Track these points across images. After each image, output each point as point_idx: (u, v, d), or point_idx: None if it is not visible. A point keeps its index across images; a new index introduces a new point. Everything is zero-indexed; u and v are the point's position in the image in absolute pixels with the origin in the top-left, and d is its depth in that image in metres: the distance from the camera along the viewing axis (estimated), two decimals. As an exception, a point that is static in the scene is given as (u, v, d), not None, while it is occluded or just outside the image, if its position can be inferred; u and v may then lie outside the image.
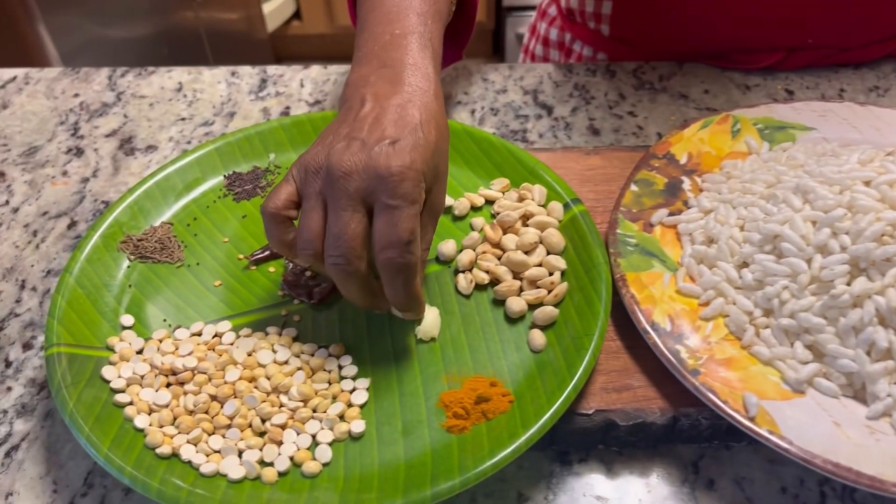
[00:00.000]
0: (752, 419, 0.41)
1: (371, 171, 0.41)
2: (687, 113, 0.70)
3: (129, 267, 0.53)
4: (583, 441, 0.46)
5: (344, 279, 0.43)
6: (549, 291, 0.50)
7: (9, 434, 0.49)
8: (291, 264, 0.52)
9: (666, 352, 0.45)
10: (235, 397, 0.45)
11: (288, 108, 0.72)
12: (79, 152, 0.69)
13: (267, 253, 0.53)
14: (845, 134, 0.58)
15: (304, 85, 0.75)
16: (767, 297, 0.46)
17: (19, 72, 0.78)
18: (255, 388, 0.45)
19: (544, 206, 0.55)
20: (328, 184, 0.42)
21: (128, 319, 0.50)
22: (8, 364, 0.53)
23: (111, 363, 0.47)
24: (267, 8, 2.29)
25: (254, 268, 0.53)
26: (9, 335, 0.54)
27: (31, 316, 0.56)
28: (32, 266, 0.59)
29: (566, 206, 0.54)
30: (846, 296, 0.43)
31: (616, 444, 0.46)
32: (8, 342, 0.54)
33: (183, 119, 0.72)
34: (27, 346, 0.54)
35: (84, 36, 1.34)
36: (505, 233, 0.53)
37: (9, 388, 0.51)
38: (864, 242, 0.44)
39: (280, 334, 0.49)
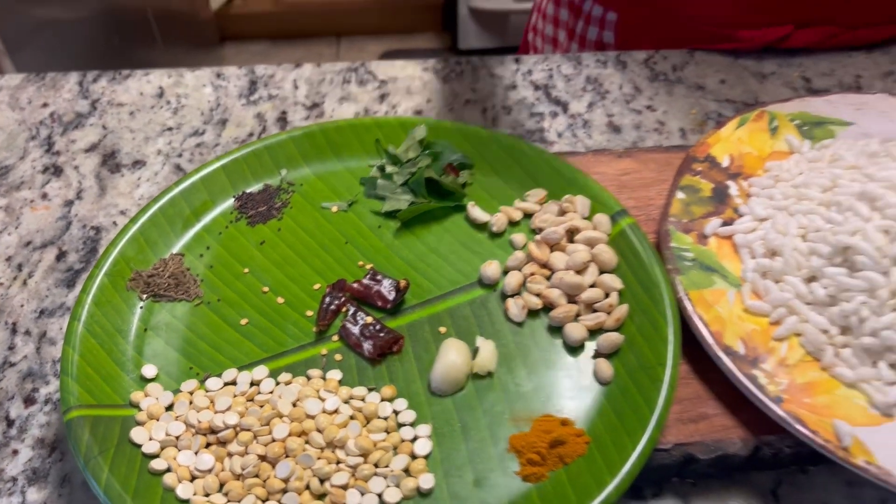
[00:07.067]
0: (846, 450, 0.39)
1: None
2: (706, 105, 0.67)
3: (142, 308, 0.48)
4: (657, 475, 0.43)
5: None
6: (609, 314, 0.46)
7: (22, 506, 0.44)
8: (353, 309, 0.47)
9: (744, 379, 0.42)
10: (287, 456, 0.40)
11: (284, 112, 0.67)
12: (57, 171, 0.62)
13: (333, 307, 0.48)
14: (885, 126, 0.56)
15: (298, 86, 0.70)
16: (845, 315, 0.43)
17: (-24, 80, 0.70)
18: (308, 443, 0.41)
19: (589, 218, 0.51)
20: None
21: (150, 370, 0.45)
22: (10, 423, 0.47)
23: (139, 423, 0.42)
24: (208, -15, 2.18)
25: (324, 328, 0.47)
26: (6, 389, 0.49)
27: (29, 365, 0.50)
28: (22, 306, 0.53)
29: (613, 219, 0.50)
30: (931, 312, 0.41)
31: (692, 476, 0.44)
32: (6, 397, 0.48)
33: (170, 129, 0.66)
34: (29, 401, 0.48)
35: (27, 19, 1.23)
36: (552, 251, 0.50)
37: (15, 452, 0.46)
38: (945, 255, 0.42)
39: (324, 378, 0.45)
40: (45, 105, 0.68)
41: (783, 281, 0.46)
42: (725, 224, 0.50)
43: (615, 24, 0.79)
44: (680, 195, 0.52)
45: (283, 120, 0.66)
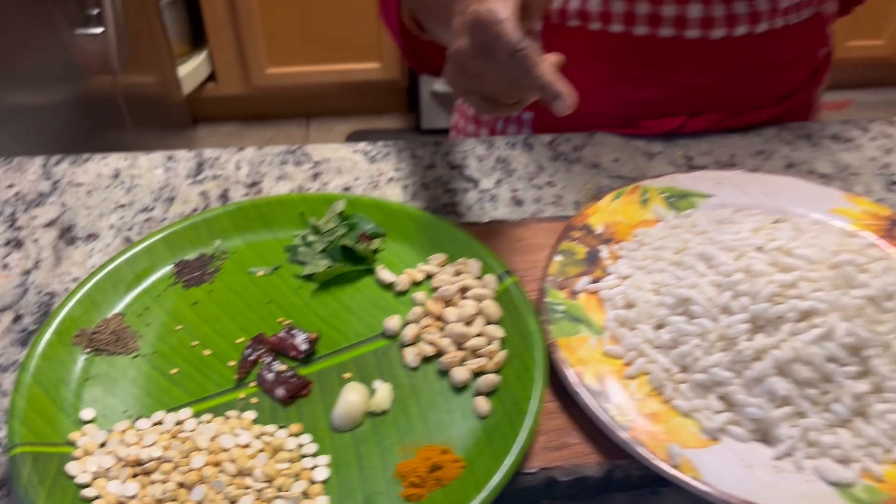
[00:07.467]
0: (676, 468, 0.47)
1: None
2: (599, 181, 0.76)
3: (85, 360, 0.55)
4: (527, 497, 0.50)
5: None
6: (490, 359, 0.54)
7: (-30, 536, 0.49)
8: (269, 359, 0.54)
9: (597, 411, 0.50)
10: (202, 483, 0.47)
11: (226, 190, 0.75)
12: (18, 244, 0.70)
13: (252, 358, 0.55)
14: (739, 199, 0.66)
15: (240, 167, 0.78)
16: (682, 355, 0.51)
17: (-50, 164, 0.78)
18: (221, 472, 0.48)
19: (480, 278, 0.59)
20: None
21: (88, 413, 0.51)
22: (-37, 465, 0.53)
23: (75, 458, 0.49)
24: (182, 71, 2.30)
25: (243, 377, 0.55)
26: (-39, 435, 0.55)
27: (-17, 414, 0.56)
28: (-20, 363, 0.60)
29: (499, 278, 0.59)
30: (749, 351, 0.49)
31: (558, 498, 0.51)
32: (-39, 442, 0.54)
33: (122, 206, 0.74)
34: (-19, 445, 0.54)
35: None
36: (446, 306, 0.58)
37: (-34, 490, 0.52)
38: (760, 303, 0.50)
39: (240, 417, 0.51)
40: (10, 186, 0.76)
41: (636, 328, 0.54)
42: (594, 282, 0.59)
43: (532, 122, 0.88)
44: (558, 258, 0.60)
45: (224, 197, 0.75)
